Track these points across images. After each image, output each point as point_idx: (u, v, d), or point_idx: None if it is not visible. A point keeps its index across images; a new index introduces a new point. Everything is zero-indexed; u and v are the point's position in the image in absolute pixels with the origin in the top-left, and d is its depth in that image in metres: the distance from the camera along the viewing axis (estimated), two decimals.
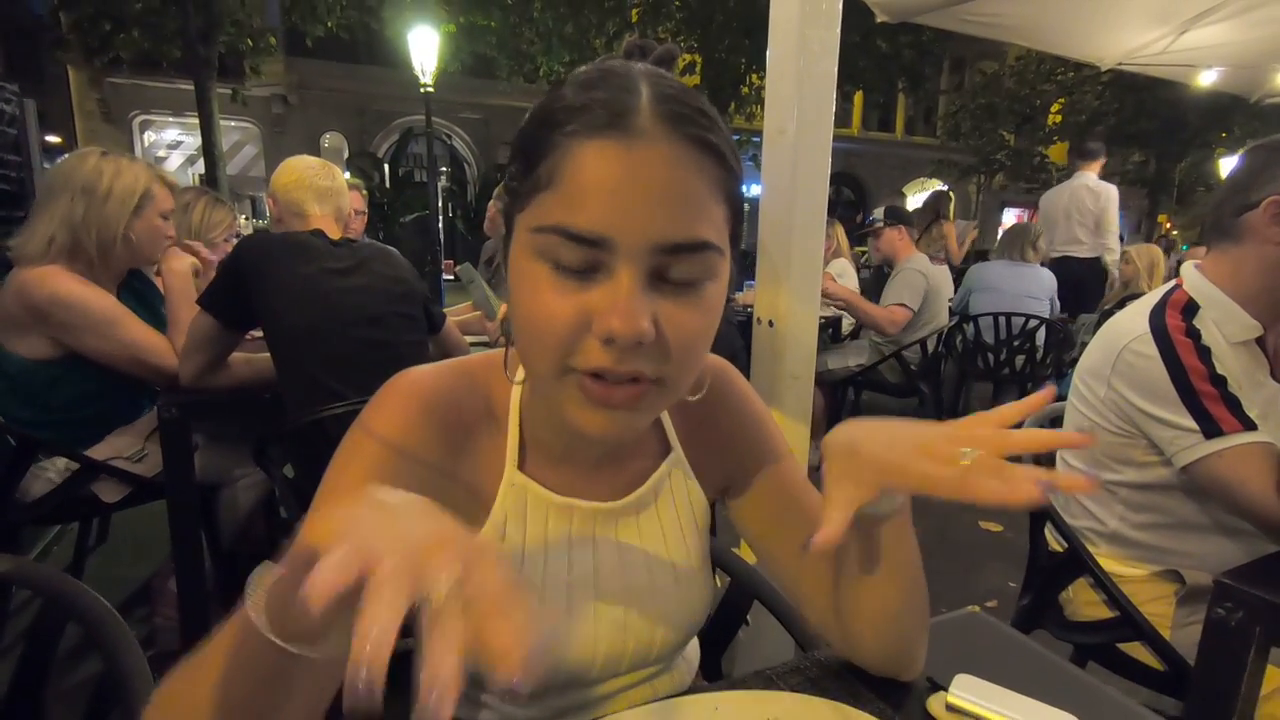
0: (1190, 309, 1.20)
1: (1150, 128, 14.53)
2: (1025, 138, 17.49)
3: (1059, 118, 16.62)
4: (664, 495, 0.72)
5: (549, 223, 0.50)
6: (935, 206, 5.47)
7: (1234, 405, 1.14)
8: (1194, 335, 1.18)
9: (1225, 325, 1.20)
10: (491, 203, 3.33)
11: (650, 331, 0.50)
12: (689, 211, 0.51)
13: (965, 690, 0.64)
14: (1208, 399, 1.15)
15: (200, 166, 12.53)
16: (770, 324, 1.60)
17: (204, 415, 1.88)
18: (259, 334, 1.66)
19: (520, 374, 0.67)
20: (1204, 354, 1.17)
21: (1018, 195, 19.76)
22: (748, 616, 1.00)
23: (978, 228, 7.47)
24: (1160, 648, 1.21)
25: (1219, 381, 1.15)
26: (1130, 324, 1.26)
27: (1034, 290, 4.01)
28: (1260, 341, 1.21)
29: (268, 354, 1.66)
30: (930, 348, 3.72)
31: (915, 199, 17.84)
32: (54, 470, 1.74)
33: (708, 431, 0.75)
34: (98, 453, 1.76)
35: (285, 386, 1.66)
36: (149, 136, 16.06)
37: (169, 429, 1.70)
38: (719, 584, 1.03)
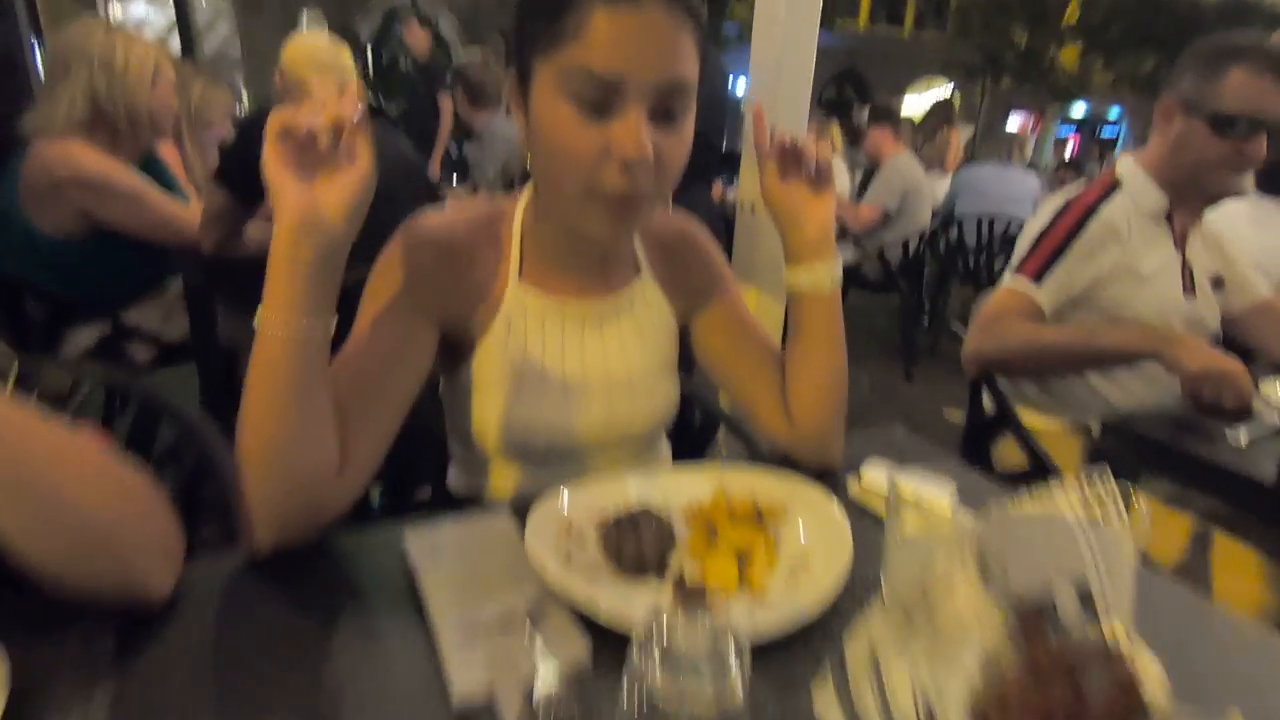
0: (1111, 189, 1.39)
1: (1166, 31, 14.01)
2: (1037, 37, 16.82)
3: (1075, 16, 15.93)
4: (639, 305, 0.89)
5: (576, 64, 0.66)
6: (944, 112, 5.41)
7: (1047, 262, 1.38)
8: (1091, 210, 1.39)
9: (1140, 198, 1.41)
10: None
11: (653, 156, 0.67)
12: (680, 59, 0.68)
13: (873, 470, 0.83)
14: (1037, 253, 1.40)
15: (171, 45, 11.90)
16: (752, 209, 1.73)
17: (226, 282, 2.01)
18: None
19: (522, 200, 0.83)
20: (1080, 223, 1.38)
21: (1023, 99, 19.18)
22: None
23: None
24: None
25: (1058, 251, 1.38)
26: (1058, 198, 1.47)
27: (1018, 194, 4.09)
28: (1170, 218, 1.42)
29: None
30: (912, 248, 3.84)
31: (919, 100, 17.33)
32: (87, 337, 1.88)
33: (674, 262, 0.92)
34: (127, 320, 1.90)
35: None
36: (115, 10, 15.15)
37: (194, 294, 1.84)
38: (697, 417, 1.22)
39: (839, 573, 0.64)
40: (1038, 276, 1.38)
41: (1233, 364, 1.20)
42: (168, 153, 2.28)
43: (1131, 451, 1.15)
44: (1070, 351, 1.37)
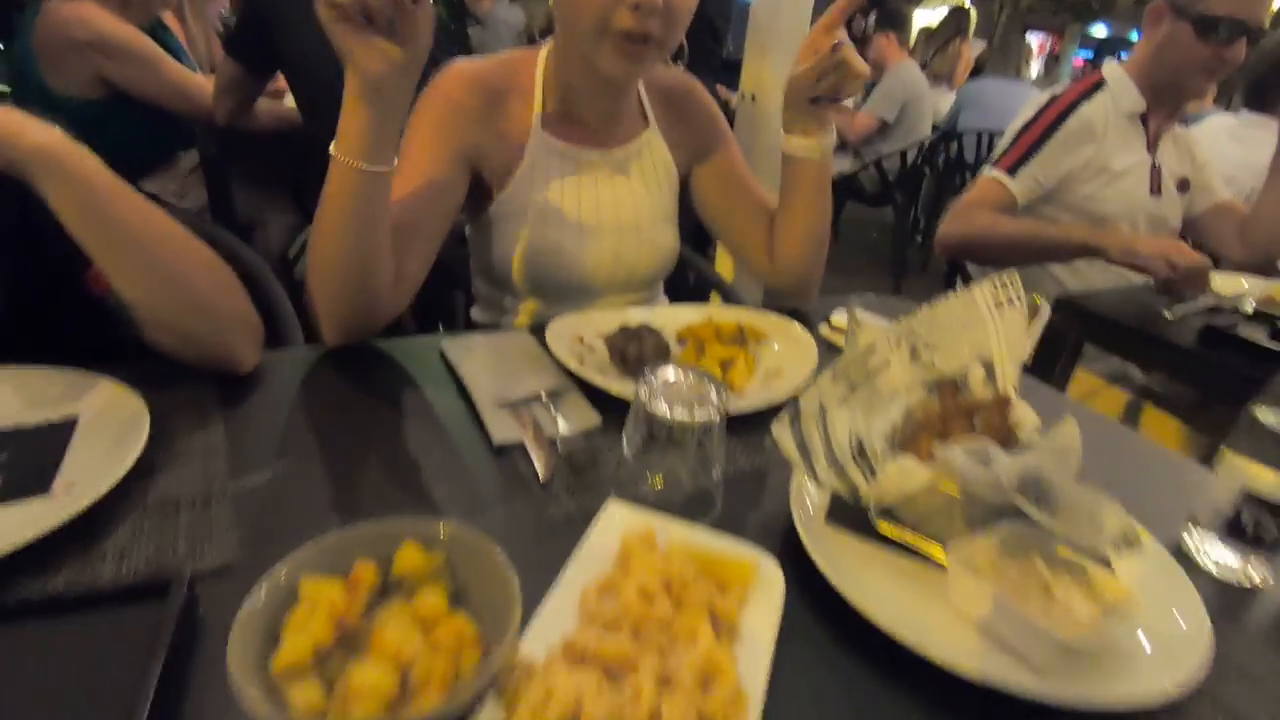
0: (1094, 88, 1.46)
1: None
2: None
3: None
4: (645, 156, 1.00)
5: None
6: (956, 23, 5.27)
7: (1023, 156, 1.48)
8: (1072, 106, 1.48)
9: (1120, 98, 1.50)
10: None
11: (661, 1, 0.77)
12: None
13: (840, 315, 0.96)
14: (1017, 146, 1.49)
15: None
16: (753, 98, 1.79)
17: (240, 155, 2.07)
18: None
19: (545, 48, 0.92)
20: (1059, 118, 1.47)
21: (1043, 18, 18.38)
22: None
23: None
24: None
25: (1035, 145, 1.47)
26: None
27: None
28: (1145, 119, 1.49)
29: (292, 105, 1.83)
30: (910, 159, 3.87)
31: (932, 15, 16.60)
32: None
33: (678, 116, 1.03)
34: (144, 189, 1.97)
35: (314, 130, 1.85)
36: None
37: (210, 165, 1.91)
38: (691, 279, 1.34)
39: (805, 374, 0.78)
40: (1012, 170, 1.48)
41: (1156, 244, 1.34)
42: (170, 24, 2.28)
43: (1077, 325, 1.29)
44: (1020, 242, 1.47)
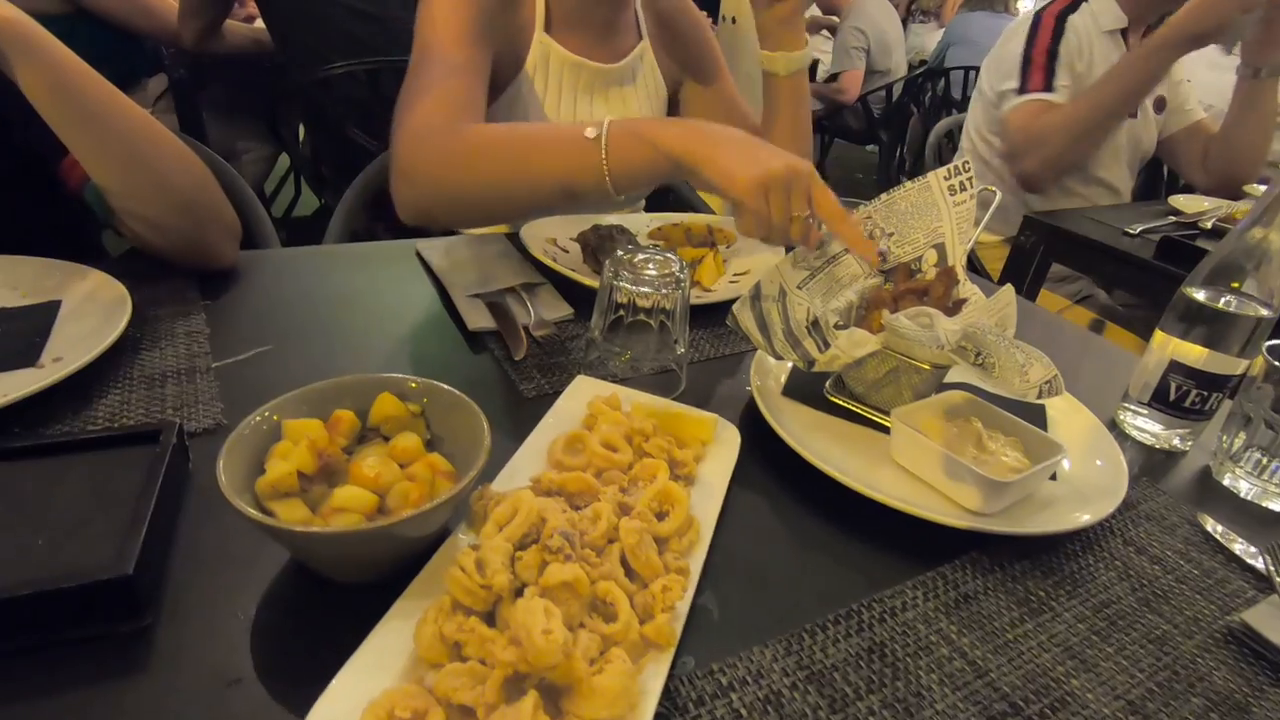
0: (1072, 6, 1.46)
1: None
2: None
3: None
4: (640, 76, 1.01)
5: None
6: None
7: (1048, 70, 1.47)
8: (1061, 18, 1.48)
9: (1101, 16, 1.50)
10: None
11: None
12: None
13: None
14: (1035, 66, 1.48)
15: None
16: (733, 20, 1.77)
17: (210, 79, 2.02)
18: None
19: None
20: (1055, 37, 1.47)
21: None
22: None
23: None
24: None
25: (1051, 56, 1.47)
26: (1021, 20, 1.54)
27: None
28: (1125, 34, 1.49)
29: (263, 26, 1.78)
30: (896, 94, 3.83)
31: None
32: None
33: (671, 32, 1.03)
34: None
35: (288, 60, 1.81)
36: None
37: (179, 88, 1.86)
38: None
39: None
40: (1048, 85, 1.47)
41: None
42: None
43: (1044, 243, 1.32)
44: (1107, 99, 1.41)
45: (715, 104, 1.05)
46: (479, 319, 0.70)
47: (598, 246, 0.80)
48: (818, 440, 0.57)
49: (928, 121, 4.30)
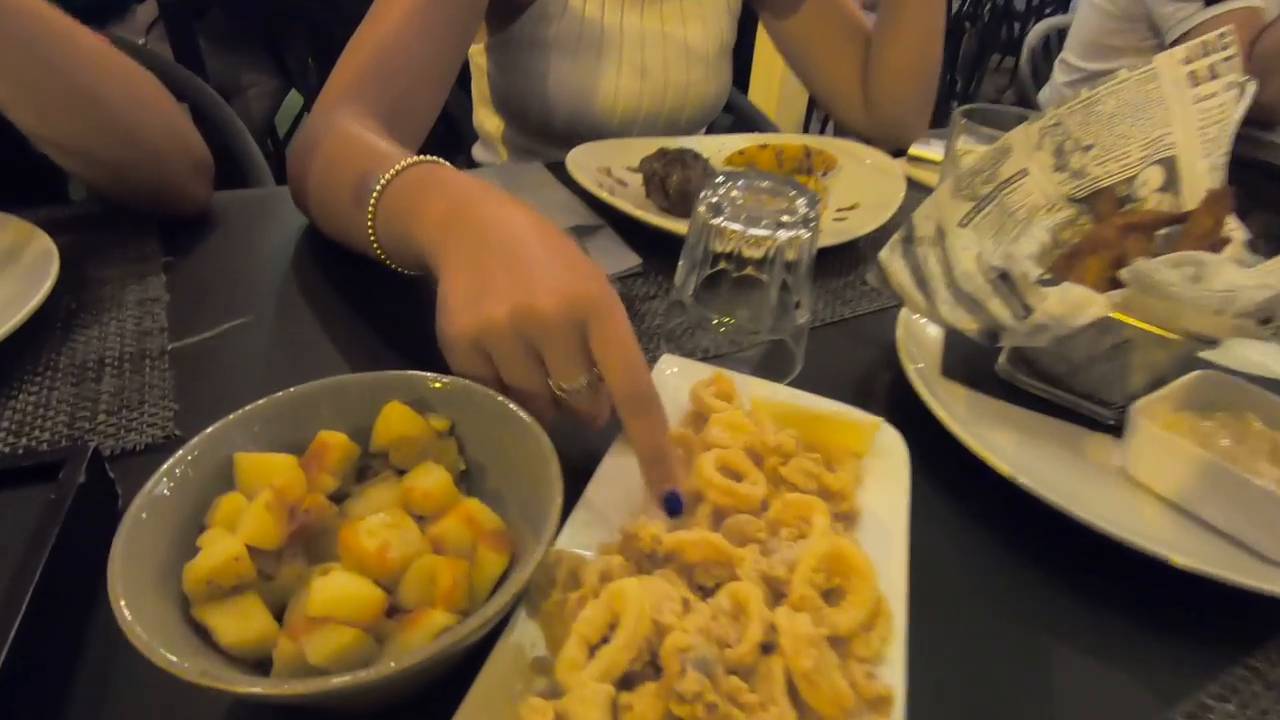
0: None
1: None
2: None
3: None
4: None
5: None
6: None
7: None
8: None
9: None
10: None
11: None
12: None
13: (918, 145, 0.79)
14: None
15: None
16: None
17: (207, 5, 1.83)
18: None
19: None
20: None
21: None
22: None
23: None
24: None
25: None
26: None
27: None
28: None
29: None
30: (954, 7, 3.47)
31: None
32: None
33: None
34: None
35: None
36: None
37: (172, 15, 1.67)
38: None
39: (891, 208, 0.62)
40: None
41: None
42: None
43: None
44: None
45: (813, 3, 0.81)
46: None
47: (666, 175, 0.62)
48: (1005, 442, 0.40)
49: (984, 38, 3.93)
